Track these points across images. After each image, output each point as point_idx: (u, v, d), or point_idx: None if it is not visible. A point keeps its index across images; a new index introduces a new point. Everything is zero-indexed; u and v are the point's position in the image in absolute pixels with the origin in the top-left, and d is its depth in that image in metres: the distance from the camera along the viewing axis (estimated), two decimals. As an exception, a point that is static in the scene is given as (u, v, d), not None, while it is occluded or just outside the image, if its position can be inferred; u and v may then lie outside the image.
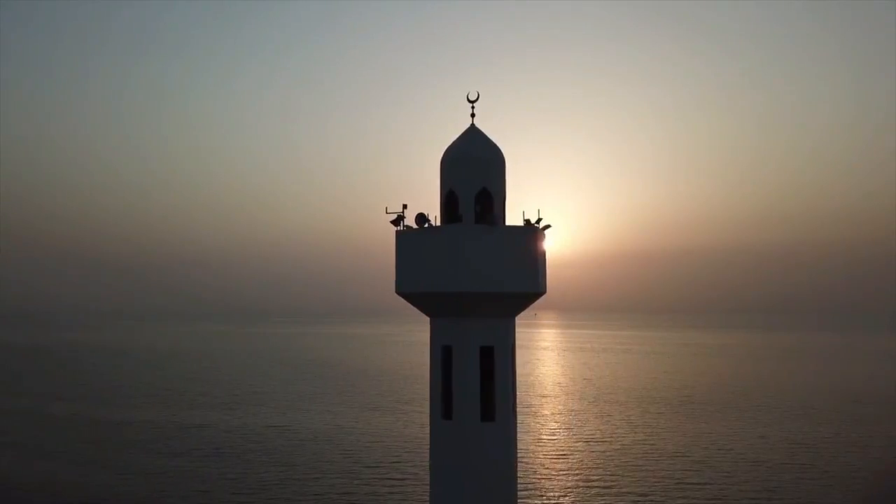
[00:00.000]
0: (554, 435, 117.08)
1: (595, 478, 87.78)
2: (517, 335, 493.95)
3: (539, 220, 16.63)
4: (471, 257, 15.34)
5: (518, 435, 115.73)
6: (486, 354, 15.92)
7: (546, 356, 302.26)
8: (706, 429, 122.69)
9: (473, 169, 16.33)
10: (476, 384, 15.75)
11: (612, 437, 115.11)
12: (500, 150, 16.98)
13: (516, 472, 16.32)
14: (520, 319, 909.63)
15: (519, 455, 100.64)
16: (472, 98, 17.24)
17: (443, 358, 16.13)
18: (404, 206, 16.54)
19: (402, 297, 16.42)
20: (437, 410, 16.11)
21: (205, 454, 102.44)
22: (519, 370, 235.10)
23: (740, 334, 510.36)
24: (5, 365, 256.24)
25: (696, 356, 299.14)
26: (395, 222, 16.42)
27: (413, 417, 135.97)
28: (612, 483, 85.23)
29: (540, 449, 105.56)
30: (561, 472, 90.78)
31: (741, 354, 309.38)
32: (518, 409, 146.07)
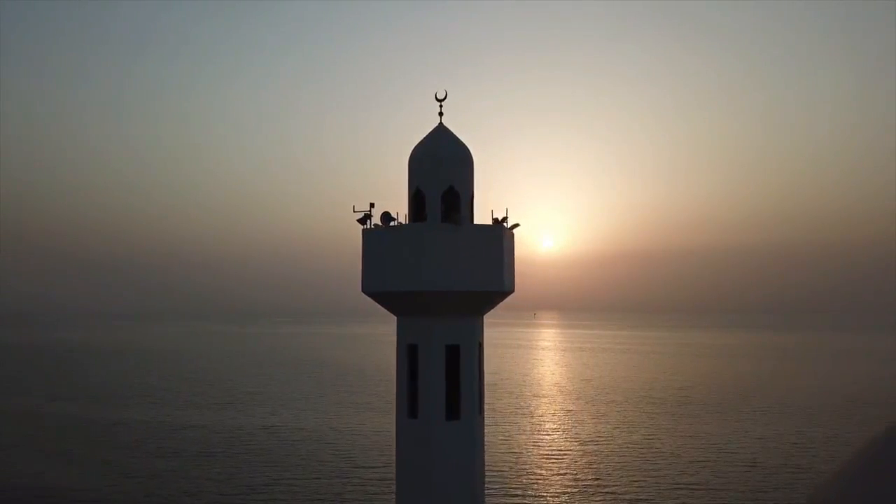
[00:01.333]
0: (549, 435, 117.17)
1: (589, 479, 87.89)
2: (527, 335, 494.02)
3: (504, 219, 16.73)
4: (435, 256, 15.43)
5: (515, 435, 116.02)
6: (452, 353, 16.02)
7: (545, 356, 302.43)
8: (704, 429, 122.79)
9: (440, 168, 16.42)
10: (441, 383, 15.85)
11: (608, 437, 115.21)
12: (467, 149, 17.07)
13: (483, 470, 16.41)
14: (519, 320, 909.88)
15: (515, 455, 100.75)
16: (441, 97, 17.33)
17: (408, 357, 16.23)
18: (371, 205, 16.64)
19: (368, 296, 16.52)
20: (403, 409, 16.22)
21: (198, 455, 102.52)
22: (517, 370, 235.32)
23: (740, 334, 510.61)
24: (1, 365, 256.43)
25: (695, 356, 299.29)
26: (362, 221, 16.52)
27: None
28: (607, 484, 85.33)
29: (535, 450, 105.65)
30: (556, 474, 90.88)
31: (741, 354, 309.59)
32: (516, 410, 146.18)
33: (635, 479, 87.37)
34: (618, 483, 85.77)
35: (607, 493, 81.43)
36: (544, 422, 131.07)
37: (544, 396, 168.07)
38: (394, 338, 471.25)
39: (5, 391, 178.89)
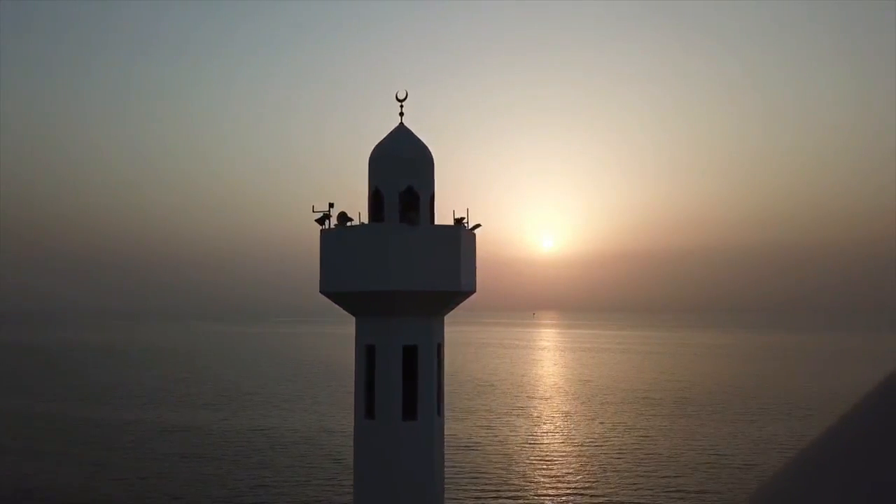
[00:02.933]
0: (544, 436, 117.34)
1: (582, 481, 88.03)
2: (526, 335, 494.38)
3: (461, 219, 16.85)
4: (392, 256, 15.56)
5: (509, 436, 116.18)
6: (410, 354, 16.14)
7: (543, 356, 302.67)
8: (702, 431, 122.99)
9: (399, 167, 16.55)
10: (398, 383, 15.97)
11: (604, 438, 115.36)
12: (427, 149, 17.19)
13: (442, 470, 16.53)
14: (518, 320, 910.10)
15: (510, 456, 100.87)
16: (401, 97, 17.46)
17: (366, 357, 16.35)
18: (331, 205, 16.76)
19: (326, 296, 16.64)
20: (361, 409, 16.34)
21: (188, 457, 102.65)
22: (515, 371, 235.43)
23: (740, 334, 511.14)
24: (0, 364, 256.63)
25: (695, 356, 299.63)
26: (321, 221, 16.65)
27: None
28: (600, 487, 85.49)
29: (529, 451, 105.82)
30: (550, 476, 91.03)
31: (741, 355, 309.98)
32: (512, 411, 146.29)
33: (629, 482, 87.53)
34: (610, 485, 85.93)
35: (600, 495, 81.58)
36: (539, 422, 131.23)
37: (540, 397, 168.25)
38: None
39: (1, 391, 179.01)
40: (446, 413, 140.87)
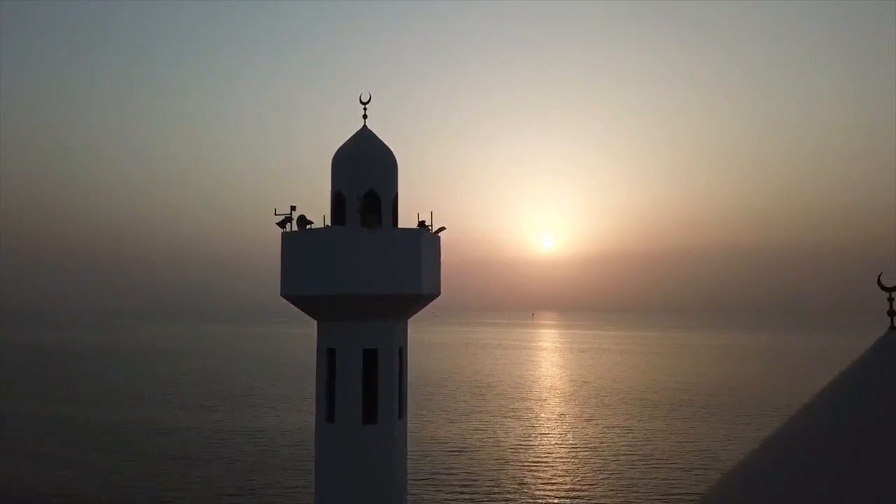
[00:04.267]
0: (539, 437, 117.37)
1: (576, 483, 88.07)
2: (524, 335, 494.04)
3: (424, 223, 16.90)
4: (352, 259, 15.60)
5: (501, 438, 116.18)
6: (370, 357, 16.19)
7: (542, 357, 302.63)
8: (700, 432, 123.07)
9: (360, 170, 16.60)
10: (358, 387, 16.01)
11: (601, 440, 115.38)
12: (390, 151, 17.25)
13: (404, 474, 16.56)
14: (517, 320, 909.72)
15: (503, 458, 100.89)
16: (365, 100, 17.52)
17: (327, 361, 16.39)
18: (293, 208, 16.81)
19: (286, 299, 16.68)
20: (322, 413, 16.38)
21: (181, 458, 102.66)
22: (513, 371, 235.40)
23: (739, 334, 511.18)
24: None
25: (694, 357, 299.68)
26: (282, 224, 16.69)
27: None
28: (594, 489, 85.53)
29: (523, 454, 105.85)
30: (543, 478, 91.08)
31: (740, 355, 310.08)
32: (508, 412, 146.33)
33: (624, 484, 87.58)
34: (605, 488, 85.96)
35: (594, 498, 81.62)
36: (535, 424, 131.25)
37: (537, 398, 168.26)
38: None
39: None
40: (442, 414, 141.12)
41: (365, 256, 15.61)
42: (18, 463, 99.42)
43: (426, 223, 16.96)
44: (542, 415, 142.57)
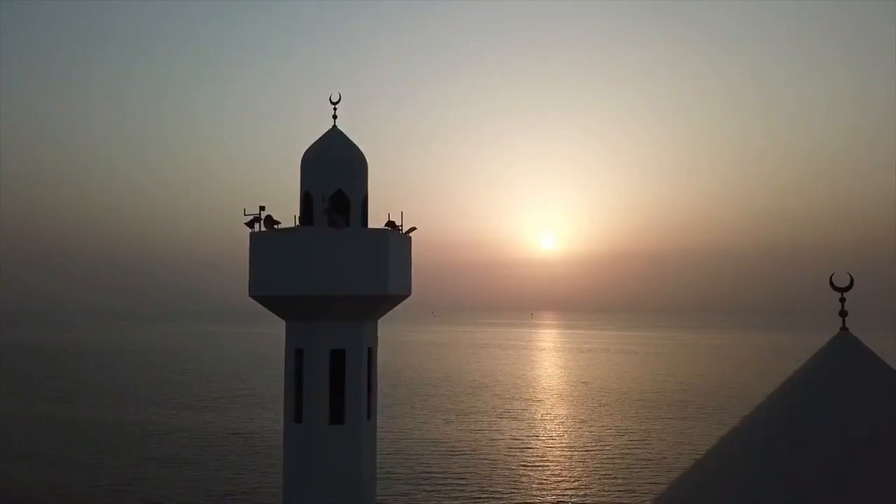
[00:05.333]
0: (534, 439, 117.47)
1: (570, 485, 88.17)
2: (523, 335, 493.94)
3: (393, 223, 17.00)
4: (318, 260, 15.69)
5: (496, 438, 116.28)
6: (338, 357, 16.28)
7: (541, 357, 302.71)
8: (699, 433, 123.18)
9: (328, 170, 16.70)
10: (325, 387, 16.11)
11: (597, 441, 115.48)
12: (360, 151, 17.34)
13: (373, 475, 16.67)
14: (516, 320, 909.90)
15: (497, 460, 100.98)
16: (335, 100, 17.62)
17: (295, 361, 16.50)
18: (261, 208, 16.91)
19: (255, 299, 16.78)
20: (290, 413, 16.48)
21: (172, 459, 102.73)
22: (510, 371, 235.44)
23: (739, 334, 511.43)
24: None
25: (694, 357, 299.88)
26: (250, 224, 16.79)
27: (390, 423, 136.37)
28: (588, 491, 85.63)
29: (517, 455, 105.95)
30: (537, 480, 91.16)
31: (740, 355, 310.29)
32: (504, 413, 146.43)
33: (619, 486, 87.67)
34: (598, 490, 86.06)
35: (587, 501, 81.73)
36: (531, 425, 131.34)
37: (534, 399, 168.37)
38: (406, 337, 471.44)
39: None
40: (439, 415, 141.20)
41: (331, 257, 15.71)
42: (14, 463, 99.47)
43: (396, 224, 17.06)
44: (539, 415, 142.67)
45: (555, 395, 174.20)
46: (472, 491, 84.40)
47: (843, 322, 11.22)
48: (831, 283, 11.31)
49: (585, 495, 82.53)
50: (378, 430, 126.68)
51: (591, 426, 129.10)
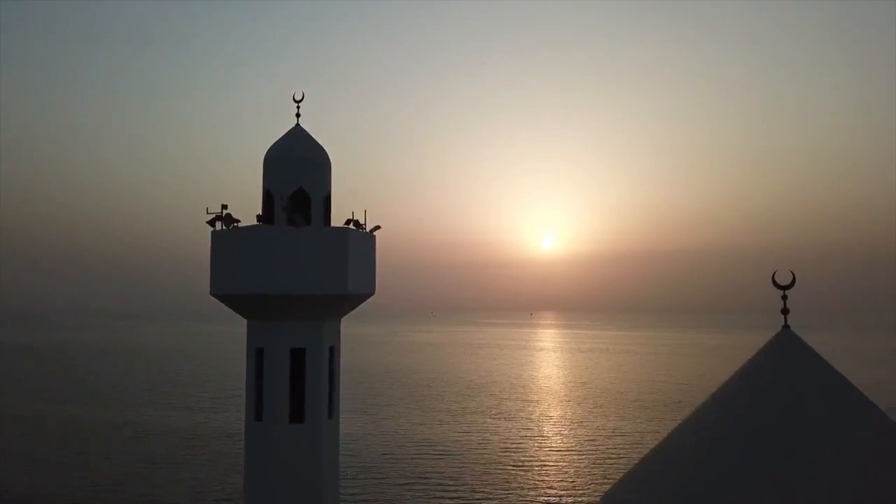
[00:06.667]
0: (531, 440, 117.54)
1: (564, 487, 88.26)
2: (522, 335, 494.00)
3: (356, 221, 17.06)
4: (277, 259, 15.76)
5: (489, 437, 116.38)
6: (298, 356, 16.35)
7: (540, 357, 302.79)
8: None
9: (289, 169, 16.77)
10: (285, 386, 16.18)
11: (594, 441, 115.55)
12: (322, 150, 17.40)
13: (335, 473, 16.74)
14: (516, 320, 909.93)
15: (492, 461, 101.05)
16: (298, 98, 17.67)
17: (256, 360, 16.56)
18: (223, 207, 16.96)
19: (216, 298, 16.84)
20: (251, 412, 16.56)
21: (164, 459, 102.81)
22: (509, 371, 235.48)
23: (739, 335, 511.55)
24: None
25: (694, 357, 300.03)
26: (212, 223, 16.84)
27: (388, 422, 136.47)
28: (583, 493, 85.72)
29: (513, 456, 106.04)
30: (535, 480, 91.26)
31: (739, 355, 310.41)
32: (499, 413, 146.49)
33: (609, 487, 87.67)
34: (593, 492, 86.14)
35: (580, 497, 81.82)
36: (527, 425, 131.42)
37: (530, 399, 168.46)
38: (405, 337, 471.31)
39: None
40: (434, 415, 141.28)
41: (290, 256, 15.77)
42: (8, 464, 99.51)
43: (360, 222, 17.11)
44: (534, 416, 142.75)
45: (552, 396, 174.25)
46: (463, 492, 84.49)
47: (785, 320, 11.31)
48: (773, 282, 11.40)
49: (582, 495, 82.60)
50: (373, 430, 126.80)
51: (586, 427, 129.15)
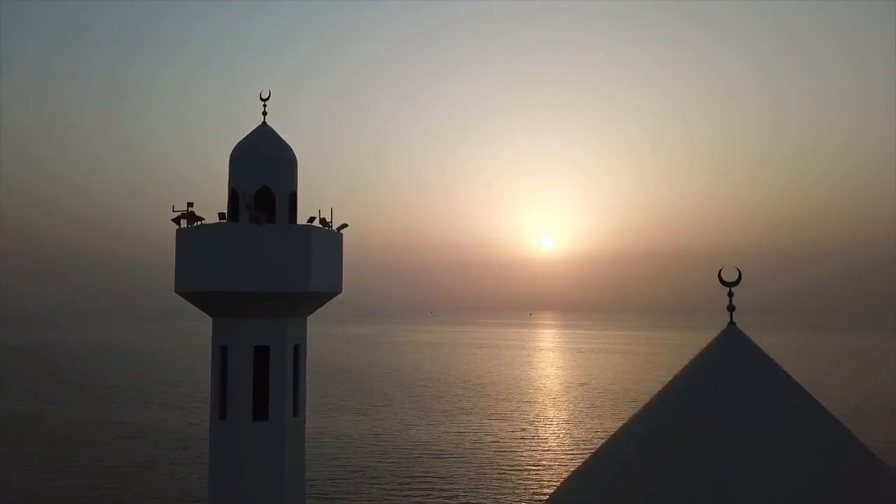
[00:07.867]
0: (528, 440, 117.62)
1: (555, 487, 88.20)
2: (521, 335, 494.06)
3: (322, 219, 17.13)
4: (241, 256, 15.84)
5: (483, 437, 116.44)
6: (261, 354, 16.43)
7: (538, 357, 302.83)
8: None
9: (254, 167, 16.84)
10: (248, 384, 16.26)
11: (590, 441, 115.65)
12: (289, 148, 17.48)
13: (300, 471, 16.81)
14: (515, 320, 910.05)
15: (488, 461, 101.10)
16: (265, 96, 17.75)
17: (220, 358, 16.64)
18: (189, 205, 17.03)
19: (181, 296, 16.92)
20: (215, 410, 16.63)
21: (155, 459, 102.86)
22: (508, 371, 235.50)
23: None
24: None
25: (694, 356, 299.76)
26: (177, 221, 16.92)
27: (387, 422, 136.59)
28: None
29: (508, 456, 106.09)
30: (525, 483, 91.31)
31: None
32: (495, 414, 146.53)
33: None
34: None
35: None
36: (524, 425, 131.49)
37: (527, 400, 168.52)
38: (405, 337, 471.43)
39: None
40: (430, 415, 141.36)
41: (253, 253, 15.84)
42: (0, 463, 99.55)
43: (327, 220, 17.18)
44: (531, 416, 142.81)
45: (551, 396, 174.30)
46: (457, 493, 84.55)
47: (731, 317, 11.38)
48: (720, 279, 11.47)
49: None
50: (371, 431, 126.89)
51: (586, 427, 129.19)
